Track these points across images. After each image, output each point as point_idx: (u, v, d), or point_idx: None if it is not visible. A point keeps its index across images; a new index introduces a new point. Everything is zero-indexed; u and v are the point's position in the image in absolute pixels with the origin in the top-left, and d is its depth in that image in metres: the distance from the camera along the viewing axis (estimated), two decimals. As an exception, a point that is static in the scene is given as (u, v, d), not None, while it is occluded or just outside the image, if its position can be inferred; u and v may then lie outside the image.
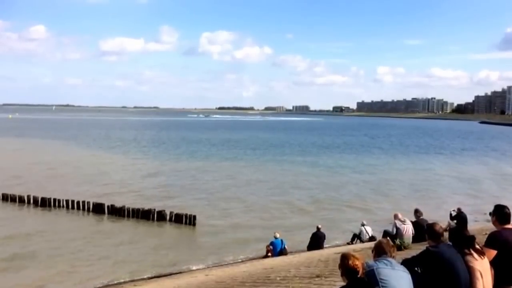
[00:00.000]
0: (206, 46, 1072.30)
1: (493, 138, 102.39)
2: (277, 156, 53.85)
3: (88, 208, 23.71)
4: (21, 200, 25.17)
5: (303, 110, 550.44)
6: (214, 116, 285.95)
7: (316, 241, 16.78)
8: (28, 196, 25.16)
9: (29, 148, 54.94)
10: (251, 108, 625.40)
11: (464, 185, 35.60)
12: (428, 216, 16.05)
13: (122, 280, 14.67)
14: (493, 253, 5.34)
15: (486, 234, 6.20)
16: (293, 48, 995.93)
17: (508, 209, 5.75)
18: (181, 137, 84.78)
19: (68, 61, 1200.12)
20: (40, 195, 25.15)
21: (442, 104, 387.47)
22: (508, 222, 5.65)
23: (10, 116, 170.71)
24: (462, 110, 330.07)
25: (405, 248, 12.40)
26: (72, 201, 24.17)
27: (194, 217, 21.56)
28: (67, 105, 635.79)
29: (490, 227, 6.00)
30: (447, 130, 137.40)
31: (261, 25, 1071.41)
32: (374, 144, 77.82)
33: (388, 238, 12.57)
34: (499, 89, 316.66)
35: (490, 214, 5.92)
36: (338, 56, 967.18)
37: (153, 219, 22.12)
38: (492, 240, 5.49)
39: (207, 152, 56.64)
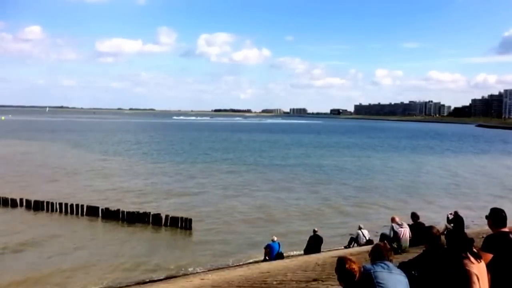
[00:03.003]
0: (204, 47, 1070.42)
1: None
2: (269, 161, 53.79)
3: (82, 212, 23.46)
4: (13, 203, 24.87)
5: (300, 112, 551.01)
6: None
7: (313, 244, 16.72)
8: (21, 199, 24.87)
9: (23, 151, 54.60)
10: (248, 111, 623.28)
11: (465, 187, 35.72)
12: (425, 219, 16.02)
13: (116, 285, 14.52)
14: (489, 256, 5.29)
15: (483, 237, 6.14)
16: (292, 50, 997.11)
17: (504, 213, 5.73)
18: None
19: (64, 62, 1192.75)
20: (33, 198, 24.89)
21: (439, 107, 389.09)
22: (504, 226, 5.62)
23: (3, 117, 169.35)
24: (459, 113, 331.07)
25: (403, 251, 12.35)
26: (66, 204, 23.92)
27: (190, 220, 21.42)
28: (61, 107, 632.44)
29: (487, 230, 5.95)
30: (453, 133, 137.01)
31: (260, 27, 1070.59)
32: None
33: (385, 241, 12.54)
34: (497, 93, 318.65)
35: (486, 217, 5.89)
36: (337, 59, 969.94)
37: (148, 223, 21.94)
38: (489, 244, 5.45)
39: (206, 155, 56.53)
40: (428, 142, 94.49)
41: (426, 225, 11.60)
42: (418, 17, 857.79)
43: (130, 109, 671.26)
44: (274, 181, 36.54)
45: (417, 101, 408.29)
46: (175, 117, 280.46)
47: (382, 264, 4.64)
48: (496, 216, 5.67)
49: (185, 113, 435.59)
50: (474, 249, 5.10)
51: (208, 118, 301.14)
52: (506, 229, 5.61)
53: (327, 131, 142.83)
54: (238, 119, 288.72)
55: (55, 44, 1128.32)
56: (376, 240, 14.65)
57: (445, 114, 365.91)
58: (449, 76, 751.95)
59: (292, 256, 16.78)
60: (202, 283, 12.38)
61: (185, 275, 15.30)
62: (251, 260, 16.91)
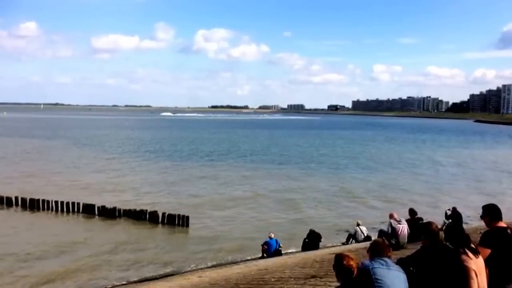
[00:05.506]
0: (202, 43, 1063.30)
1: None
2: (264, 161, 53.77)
3: (78, 209, 23.30)
4: (8, 201, 24.63)
5: (298, 109, 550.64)
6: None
7: (311, 241, 16.68)
8: (16, 198, 24.64)
9: (17, 149, 54.43)
10: (246, 107, 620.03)
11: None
12: (423, 215, 16.00)
13: (112, 284, 14.43)
14: (487, 252, 5.32)
15: (481, 233, 6.14)
16: (291, 46, 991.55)
17: (498, 207, 5.78)
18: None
19: (59, 59, 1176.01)
20: (28, 196, 24.63)
21: (437, 102, 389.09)
22: (500, 219, 5.64)
23: None
24: (457, 109, 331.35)
25: (401, 247, 12.32)
26: (62, 202, 23.74)
27: (187, 218, 21.30)
28: (56, 104, 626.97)
29: (485, 226, 5.95)
30: (457, 129, 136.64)
31: (258, 23, 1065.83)
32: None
33: (383, 237, 12.52)
34: (495, 88, 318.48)
35: (481, 217, 5.93)
36: (335, 55, 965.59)
37: (145, 220, 21.84)
38: (486, 239, 5.48)
39: (205, 153, 56.41)
40: (450, 138, 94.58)
41: (424, 221, 11.58)
42: (416, 12, 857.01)
43: (126, 105, 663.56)
44: (275, 177, 36.51)
45: (415, 96, 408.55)
46: (163, 113, 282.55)
47: (381, 261, 4.64)
48: (492, 212, 5.72)
49: (183, 110, 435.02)
50: (472, 245, 5.08)
51: (230, 115, 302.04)
52: (503, 224, 5.63)
53: (331, 127, 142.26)
54: (259, 116, 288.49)
55: (51, 41, 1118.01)
56: (375, 237, 14.62)
57: (443, 109, 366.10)
58: (447, 72, 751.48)
59: (290, 253, 16.73)
60: (200, 280, 12.34)
61: (182, 272, 15.24)
62: (248, 257, 16.84)
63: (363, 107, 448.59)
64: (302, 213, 24.75)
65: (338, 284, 4.78)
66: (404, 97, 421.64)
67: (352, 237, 17.35)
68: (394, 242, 12.63)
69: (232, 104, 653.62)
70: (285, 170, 41.37)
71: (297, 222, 22.25)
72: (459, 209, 17.72)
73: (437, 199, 28.49)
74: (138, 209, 22.55)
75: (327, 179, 36.45)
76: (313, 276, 9.52)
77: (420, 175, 39.84)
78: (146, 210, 22.18)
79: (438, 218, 16.62)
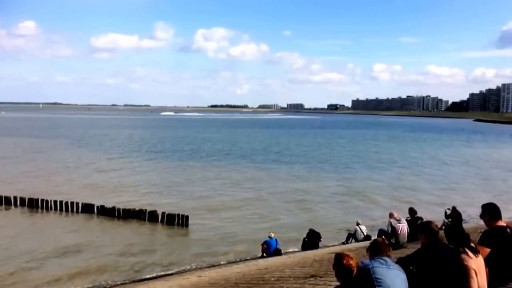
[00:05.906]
0: (201, 43, 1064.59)
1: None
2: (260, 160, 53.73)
3: (77, 209, 23.23)
4: (7, 201, 24.55)
5: (297, 108, 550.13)
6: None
7: (311, 241, 16.65)
8: (15, 197, 24.56)
9: (16, 149, 54.37)
10: (245, 106, 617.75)
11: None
12: (424, 214, 15.99)
13: (112, 283, 14.41)
14: (487, 251, 5.36)
15: (480, 232, 6.13)
16: (290, 45, 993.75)
17: (497, 206, 5.81)
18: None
19: (58, 58, 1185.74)
20: (28, 195, 24.57)
21: (437, 102, 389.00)
22: (500, 219, 5.64)
23: None
24: (456, 108, 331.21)
25: (401, 247, 12.31)
26: (61, 202, 23.68)
27: (187, 217, 21.26)
28: (55, 103, 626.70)
29: (484, 225, 5.95)
30: (459, 128, 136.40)
31: (258, 22, 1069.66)
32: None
33: (383, 237, 12.51)
34: (495, 87, 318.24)
35: (481, 216, 5.94)
36: (335, 54, 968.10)
37: (144, 220, 21.79)
38: (486, 238, 5.51)
39: (207, 152, 56.36)
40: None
41: (424, 220, 11.55)
42: (416, 11, 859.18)
43: (125, 105, 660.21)
44: (276, 176, 36.48)
45: (415, 95, 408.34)
46: (164, 113, 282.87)
47: (380, 260, 4.65)
48: (491, 211, 5.76)
49: (182, 109, 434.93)
50: (472, 244, 5.07)
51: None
52: (502, 223, 5.63)
53: (332, 127, 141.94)
54: (258, 116, 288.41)
55: (50, 40, 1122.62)
56: (374, 236, 14.61)
57: (443, 108, 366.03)
58: (447, 71, 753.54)
59: (290, 252, 16.71)
60: (199, 280, 12.31)
61: (182, 272, 15.21)
62: (248, 257, 16.81)
63: (362, 106, 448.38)
64: (303, 213, 24.64)
65: (338, 283, 4.78)
66: (404, 96, 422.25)
67: (352, 236, 17.33)
68: (393, 241, 12.63)
69: (232, 103, 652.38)
70: (287, 169, 41.29)
71: (298, 222, 22.14)
72: (463, 208, 17.73)
73: (443, 198, 28.21)
74: (137, 208, 22.52)
75: (331, 178, 36.34)
76: (312, 276, 9.49)
77: (425, 174, 39.74)
78: (146, 210, 22.11)
79: (438, 217, 16.64)
